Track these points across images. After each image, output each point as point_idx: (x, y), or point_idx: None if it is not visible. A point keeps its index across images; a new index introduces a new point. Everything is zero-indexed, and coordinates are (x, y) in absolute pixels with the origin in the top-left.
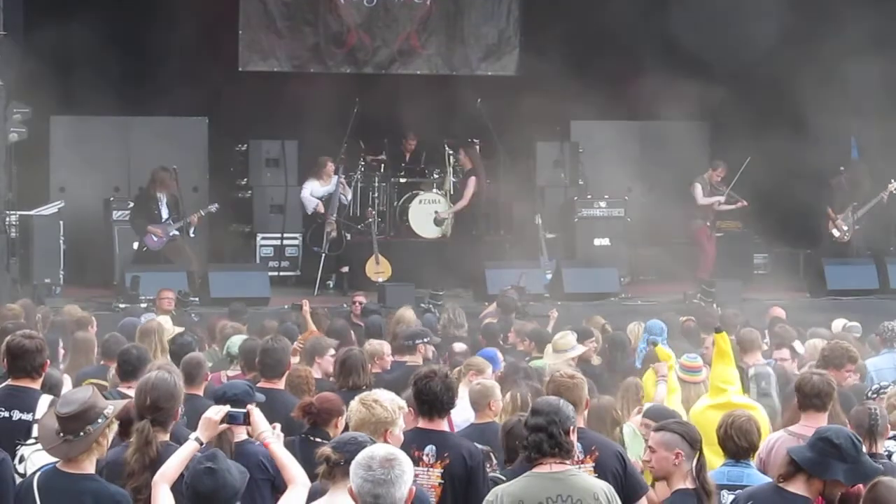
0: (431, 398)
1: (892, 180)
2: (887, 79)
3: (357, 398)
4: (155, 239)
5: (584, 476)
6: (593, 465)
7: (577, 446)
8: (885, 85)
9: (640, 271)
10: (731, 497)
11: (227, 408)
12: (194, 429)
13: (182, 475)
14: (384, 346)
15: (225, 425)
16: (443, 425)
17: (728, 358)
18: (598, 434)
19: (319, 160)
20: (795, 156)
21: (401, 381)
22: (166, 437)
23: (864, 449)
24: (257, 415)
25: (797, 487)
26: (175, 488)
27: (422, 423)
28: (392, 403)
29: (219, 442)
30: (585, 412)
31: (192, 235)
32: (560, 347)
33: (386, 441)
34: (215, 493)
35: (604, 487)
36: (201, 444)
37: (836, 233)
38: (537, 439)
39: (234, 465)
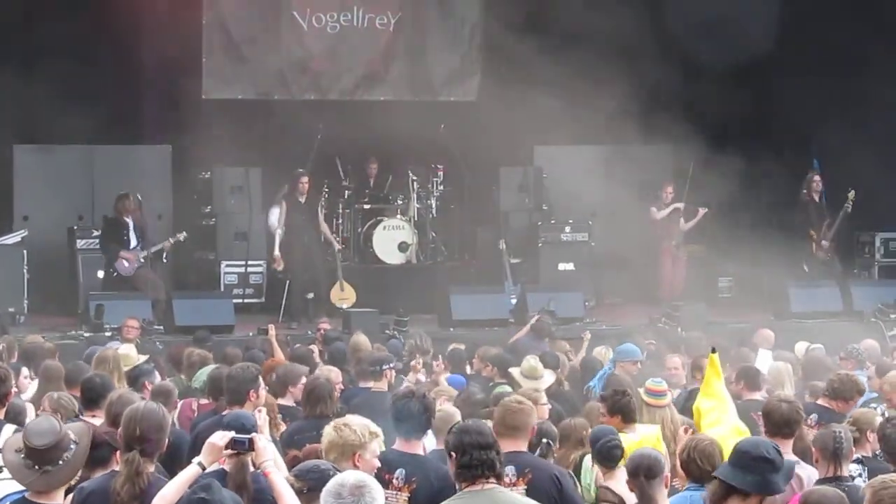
0: (408, 418)
1: (850, 189)
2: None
3: (331, 423)
4: (126, 264)
5: (512, 494)
6: (525, 487)
7: (511, 469)
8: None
9: (604, 295)
10: None
11: (232, 433)
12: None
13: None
14: (332, 373)
15: (229, 451)
16: (417, 447)
17: (721, 377)
18: (536, 458)
19: (294, 176)
20: (758, 177)
21: (363, 406)
22: (152, 468)
23: (830, 472)
24: (262, 442)
25: None
26: None
27: (397, 444)
28: (363, 428)
29: (238, 471)
30: (529, 438)
31: (164, 261)
32: (531, 374)
33: (356, 465)
34: None
35: None
36: (203, 468)
37: (821, 255)
38: (489, 457)
39: (229, 495)
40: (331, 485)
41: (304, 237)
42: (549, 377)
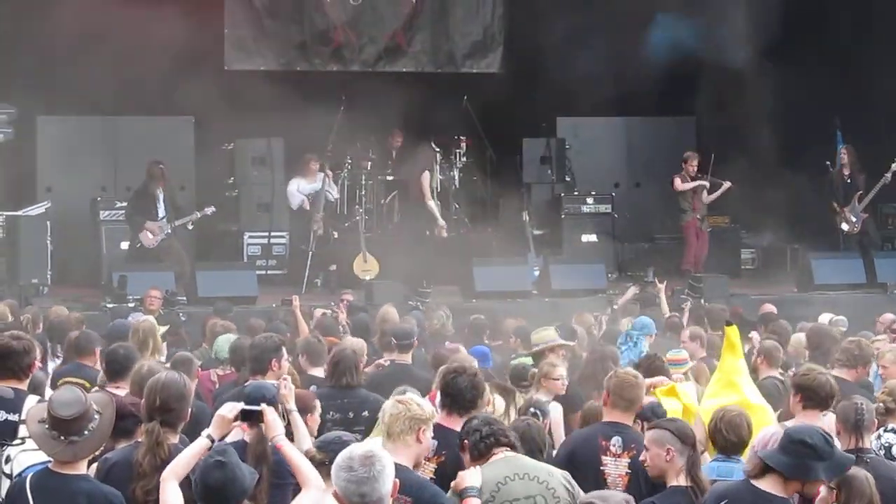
0: (455, 393)
1: (894, 160)
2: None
3: (393, 397)
4: (150, 236)
5: (525, 458)
6: (629, 461)
7: (618, 440)
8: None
9: (627, 267)
10: None
11: (241, 405)
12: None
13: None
14: (358, 345)
15: (237, 423)
16: (458, 423)
17: (737, 351)
18: (642, 434)
19: (304, 158)
20: (782, 150)
21: (392, 379)
22: (176, 440)
23: (851, 444)
24: (271, 414)
25: (771, 486)
26: (182, 485)
27: (438, 417)
28: (427, 405)
29: (257, 443)
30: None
31: (189, 228)
32: (535, 341)
33: (419, 440)
34: (224, 487)
35: (558, 470)
36: (213, 441)
37: (845, 226)
38: (496, 429)
39: (244, 465)
40: (339, 460)
41: None
42: (551, 342)
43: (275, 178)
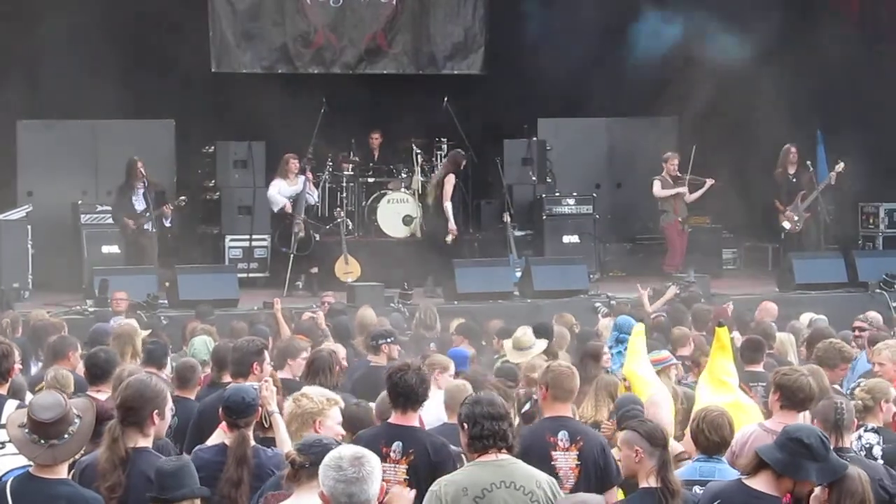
0: (406, 391)
1: (840, 161)
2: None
3: (290, 396)
4: (132, 224)
5: (525, 465)
6: (577, 453)
7: (564, 434)
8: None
9: (609, 268)
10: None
11: None
12: (184, 434)
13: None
14: (338, 348)
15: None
16: (414, 420)
17: (728, 352)
18: (584, 425)
19: (283, 158)
20: (763, 149)
21: (365, 380)
22: (144, 441)
23: (831, 443)
24: None
25: (764, 485)
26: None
27: (393, 418)
28: (320, 396)
29: (238, 445)
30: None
31: (167, 225)
32: (521, 345)
33: (317, 432)
34: (179, 469)
35: (546, 478)
36: None
37: (787, 225)
38: (500, 428)
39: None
40: (329, 459)
41: None
42: (539, 346)
43: (256, 180)
